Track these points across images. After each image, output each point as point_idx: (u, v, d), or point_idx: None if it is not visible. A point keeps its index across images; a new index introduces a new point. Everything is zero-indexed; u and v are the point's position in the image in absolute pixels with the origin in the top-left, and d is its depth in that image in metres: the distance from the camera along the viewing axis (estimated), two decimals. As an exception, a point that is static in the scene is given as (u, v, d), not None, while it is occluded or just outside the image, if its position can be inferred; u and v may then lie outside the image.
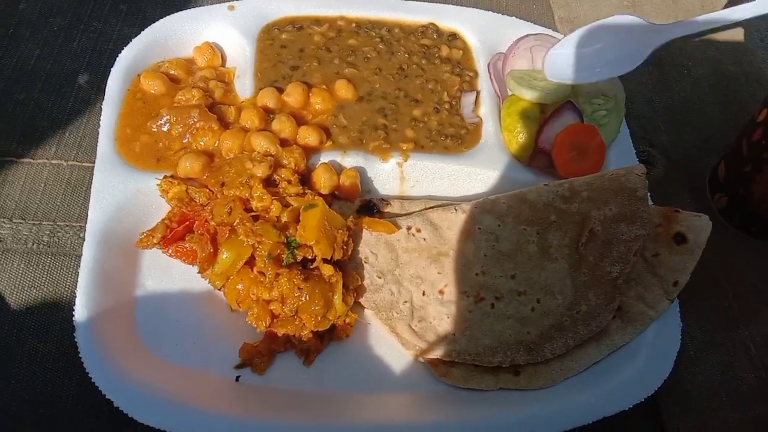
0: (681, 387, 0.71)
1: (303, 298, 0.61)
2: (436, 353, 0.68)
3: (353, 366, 0.69)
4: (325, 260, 0.64)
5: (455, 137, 0.81)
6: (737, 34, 1.05)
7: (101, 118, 0.75)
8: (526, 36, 0.89)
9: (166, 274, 0.70)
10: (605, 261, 0.71)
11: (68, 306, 0.65)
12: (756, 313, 0.78)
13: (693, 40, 1.03)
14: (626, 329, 0.70)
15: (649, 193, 0.79)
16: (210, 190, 0.71)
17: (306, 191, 0.70)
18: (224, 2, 0.87)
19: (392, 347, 0.70)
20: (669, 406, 0.70)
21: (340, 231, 0.66)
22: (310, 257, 0.64)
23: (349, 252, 0.67)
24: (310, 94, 0.80)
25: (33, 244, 0.70)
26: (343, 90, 0.81)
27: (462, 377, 0.68)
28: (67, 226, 0.72)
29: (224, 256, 0.63)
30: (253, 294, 0.63)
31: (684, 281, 0.71)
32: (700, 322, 0.76)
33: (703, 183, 0.89)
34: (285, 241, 0.63)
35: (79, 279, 0.65)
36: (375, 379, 0.68)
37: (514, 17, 0.93)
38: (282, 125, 0.75)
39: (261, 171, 0.69)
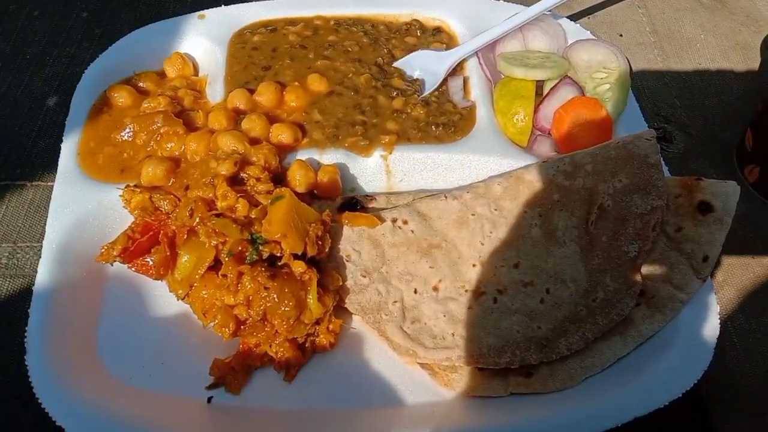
0: (728, 380, 0.61)
1: (271, 299, 0.54)
2: (434, 358, 0.59)
3: (341, 379, 0.60)
4: (295, 256, 0.57)
5: (447, 125, 0.74)
6: (749, 8, 0.97)
7: (64, 133, 0.71)
8: (516, 15, 0.82)
9: (131, 290, 0.64)
10: (621, 240, 0.62)
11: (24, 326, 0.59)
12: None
13: (706, 14, 0.96)
14: (654, 317, 0.61)
15: (665, 165, 0.71)
16: (176, 196, 0.65)
17: (278, 188, 0.63)
18: (194, 12, 0.83)
19: (384, 355, 0.61)
20: (715, 402, 0.59)
21: (313, 225, 0.59)
22: (278, 254, 0.57)
23: (326, 248, 0.60)
24: (284, 93, 0.75)
25: (-10, 267, 0.65)
26: (316, 83, 0.75)
27: (466, 384, 0.59)
28: (27, 246, 0.67)
29: (184, 259, 0.57)
30: (218, 300, 0.56)
31: (715, 255, 0.61)
32: (742, 306, 0.66)
33: (730, 156, 0.80)
34: (249, 237, 0.57)
35: (32, 297, 0.59)
36: (366, 392, 0.60)
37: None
38: (252, 123, 0.70)
39: (225, 168, 0.63)
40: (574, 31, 0.83)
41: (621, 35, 0.92)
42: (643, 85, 0.86)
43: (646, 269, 0.62)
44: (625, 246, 0.61)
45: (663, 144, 0.80)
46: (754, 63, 0.90)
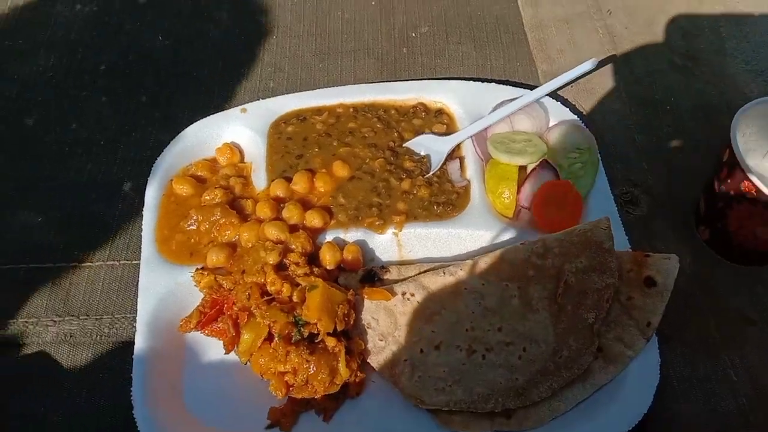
0: (666, 419, 0.78)
1: (311, 369, 0.73)
2: (436, 403, 0.78)
3: (367, 419, 0.79)
4: (328, 333, 0.76)
5: (447, 204, 0.91)
6: (721, 64, 1.10)
7: (143, 222, 0.90)
8: (503, 101, 0.98)
9: (205, 351, 0.83)
10: (581, 309, 0.79)
11: (128, 385, 0.79)
12: (737, 340, 0.83)
13: (676, 76, 1.09)
14: (608, 368, 0.78)
15: (627, 236, 0.87)
16: (235, 277, 0.84)
17: (312, 270, 0.82)
18: (238, 106, 1.01)
19: (398, 400, 0.80)
20: (655, 437, 0.77)
21: (341, 305, 0.77)
22: (316, 332, 0.76)
23: (351, 322, 0.79)
24: (314, 179, 0.92)
25: (97, 336, 0.85)
26: (339, 169, 0.92)
27: (462, 423, 0.77)
28: (123, 317, 0.87)
29: (245, 337, 0.76)
30: (272, 367, 0.75)
31: (656, 322, 0.78)
32: (683, 354, 0.82)
33: (689, 217, 0.94)
34: (293, 320, 0.75)
35: (133, 363, 0.79)
36: (387, 428, 0.78)
37: (493, 83, 1.03)
38: (290, 213, 0.88)
39: (272, 258, 0.81)
40: (556, 109, 0.99)
41: (599, 102, 1.06)
42: (617, 151, 1.00)
43: (602, 331, 0.79)
44: (585, 314, 0.78)
45: (629, 207, 0.95)
46: (717, 126, 1.02)
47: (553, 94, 1.02)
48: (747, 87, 1.07)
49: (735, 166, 0.80)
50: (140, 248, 0.88)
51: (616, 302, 0.80)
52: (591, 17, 1.16)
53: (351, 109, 1.00)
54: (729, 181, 0.83)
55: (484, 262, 0.83)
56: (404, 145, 0.97)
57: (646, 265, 0.80)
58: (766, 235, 0.84)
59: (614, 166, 0.98)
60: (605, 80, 1.08)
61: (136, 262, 0.90)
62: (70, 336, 0.86)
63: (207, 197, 0.91)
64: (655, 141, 1.02)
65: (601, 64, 1.09)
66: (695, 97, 1.06)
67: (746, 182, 0.80)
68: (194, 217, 0.88)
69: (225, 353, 0.78)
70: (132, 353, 0.80)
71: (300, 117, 1.00)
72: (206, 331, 0.82)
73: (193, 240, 0.88)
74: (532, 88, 1.01)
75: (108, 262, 0.91)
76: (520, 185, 0.90)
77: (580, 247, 0.81)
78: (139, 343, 0.81)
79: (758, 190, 0.78)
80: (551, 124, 0.98)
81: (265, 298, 0.79)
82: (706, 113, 1.04)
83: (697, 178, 0.93)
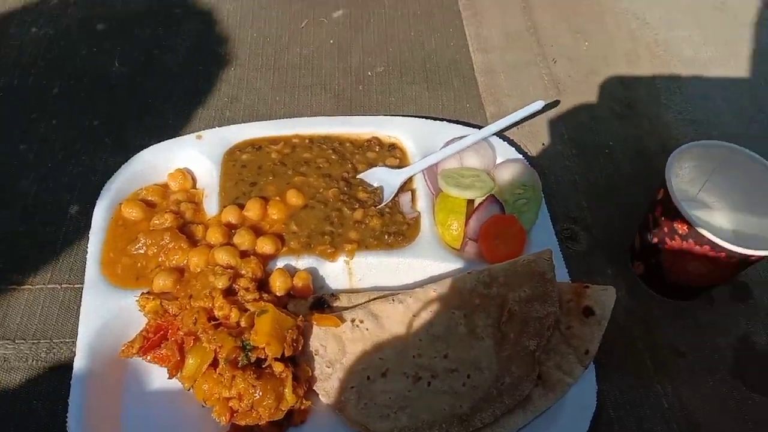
0: (603, 444, 0.81)
1: (257, 395, 0.72)
2: (381, 430, 0.78)
3: (311, 447, 0.79)
4: (276, 359, 0.75)
5: (397, 234, 0.94)
6: (656, 113, 1.18)
7: (88, 245, 0.88)
8: (453, 139, 1.02)
9: (147, 377, 0.81)
10: (524, 337, 0.81)
11: (65, 412, 0.76)
12: (668, 370, 0.87)
13: (615, 122, 1.16)
14: (548, 395, 0.80)
15: (567, 270, 0.91)
16: (181, 302, 0.83)
17: (262, 296, 0.82)
18: (193, 132, 1.02)
19: (344, 429, 0.80)
20: (592, 462, 0.79)
21: (290, 330, 0.78)
22: (263, 357, 0.75)
23: (300, 347, 0.79)
24: (268, 206, 0.93)
25: (33, 361, 0.82)
26: (293, 198, 0.94)
27: (406, 450, 0.78)
28: (62, 342, 0.84)
29: (190, 361, 0.75)
30: (216, 393, 0.74)
31: (594, 350, 0.81)
32: (618, 382, 0.86)
33: (625, 253, 1.00)
34: (241, 344, 0.75)
35: (71, 390, 0.76)
36: (329, 457, 0.78)
37: (445, 121, 1.07)
38: (242, 239, 0.88)
39: (221, 283, 0.81)
40: (503, 148, 1.04)
41: (543, 144, 1.12)
42: (559, 190, 1.05)
43: (543, 358, 0.81)
44: (527, 341, 0.81)
45: (569, 242, 0.99)
46: (653, 168, 1.08)
47: (501, 135, 1.08)
48: (680, 134, 1.15)
49: (668, 205, 0.86)
50: (84, 271, 0.86)
51: (556, 331, 0.83)
52: (537, 65, 1.24)
53: (307, 140, 1.02)
54: (663, 219, 0.88)
55: (432, 291, 0.85)
56: (358, 176, 0.99)
57: (585, 296, 0.84)
58: (698, 270, 0.89)
59: (556, 204, 1.03)
60: (549, 124, 1.14)
61: (79, 285, 0.88)
62: (5, 360, 0.82)
63: (156, 221, 0.90)
64: (594, 181, 1.08)
65: (545, 108, 1.15)
66: (633, 142, 1.13)
67: (679, 220, 0.85)
68: (142, 241, 0.88)
69: (168, 378, 0.77)
70: (70, 379, 0.78)
71: (255, 146, 1.01)
72: (148, 357, 0.80)
73: (139, 264, 0.87)
74: (480, 128, 1.06)
75: (49, 285, 0.89)
76: (467, 218, 0.94)
77: (524, 277, 0.84)
78: (78, 369, 0.78)
79: (690, 228, 0.84)
80: (498, 162, 1.02)
81: (213, 322, 0.78)
82: (642, 156, 1.11)
83: (633, 216, 0.98)
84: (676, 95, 1.21)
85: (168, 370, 0.77)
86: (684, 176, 0.92)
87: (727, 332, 0.93)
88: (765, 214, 0.88)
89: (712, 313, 0.95)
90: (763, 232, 0.87)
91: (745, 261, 0.84)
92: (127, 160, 0.98)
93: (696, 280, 0.91)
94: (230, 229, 0.90)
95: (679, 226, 0.85)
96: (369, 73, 1.19)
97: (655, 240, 0.91)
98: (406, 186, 1.00)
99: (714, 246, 0.82)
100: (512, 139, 1.10)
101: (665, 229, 0.88)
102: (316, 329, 0.83)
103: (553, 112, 1.16)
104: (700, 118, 1.17)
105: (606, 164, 1.10)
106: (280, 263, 0.89)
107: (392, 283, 0.91)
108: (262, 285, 0.86)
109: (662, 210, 0.88)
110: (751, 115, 1.19)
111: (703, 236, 0.82)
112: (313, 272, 0.89)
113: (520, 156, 1.03)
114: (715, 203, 0.95)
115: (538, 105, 1.06)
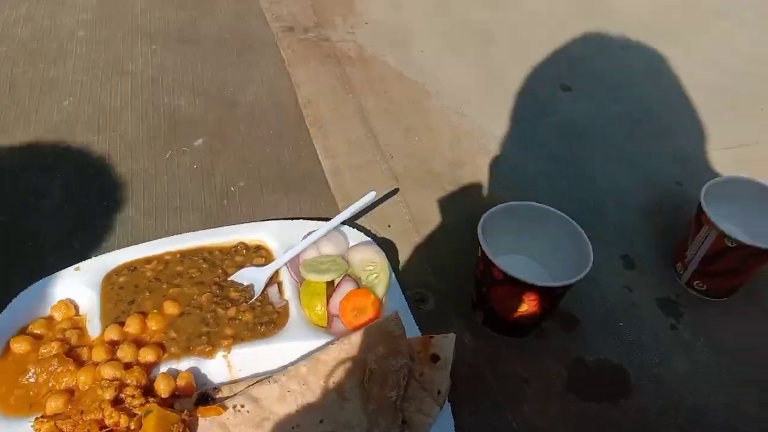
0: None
1: (150, 488, 0.80)
2: (272, 500, 0.87)
3: None
4: (165, 452, 0.84)
5: (269, 323, 1.06)
6: (480, 186, 1.42)
7: (-22, 384, 0.94)
8: (310, 232, 1.19)
9: (44, 499, 0.86)
10: (385, 389, 0.95)
11: None
12: (515, 394, 1.04)
13: (448, 200, 1.38)
14: (414, 436, 0.93)
15: (418, 327, 1.07)
16: (74, 418, 0.90)
17: (148, 400, 0.91)
18: (71, 266, 1.11)
19: (239, 505, 0.88)
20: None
21: (176, 425, 0.87)
22: (152, 453, 0.84)
23: (187, 439, 0.88)
24: (147, 320, 1.03)
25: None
26: (170, 308, 1.05)
27: None
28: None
29: (86, 470, 0.82)
30: (109, 496, 0.81)
31: (445, 389, 0.96)
32: (474, 414, 1.01)
33: (467, 305, 1.18)
34: (130, 446, 0.83)
35: None
36: None
37: (302, 219, 1.24)
38: (125, 352, 0.97)
39: (108, 394, 0.89)
40: (353, 235, 1.21)
41: (390, 226, 1.31)
42: (407, 262, 1.24)
43: (405, 405, 0.95)
44: (389, 393, 0.94)
45: (420, 304, 1.16)
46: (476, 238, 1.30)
47: (352, 223, 1.25)
48: (501, 199, 1.38)
49: (486, 260, 1.05)
50: (-26, 413, 0.91)
51: (412, 379, 0.97)
52: (378, 162, 1.45)
53: (178, 255, 1.15)
54: (485, 271, 1.07)
55: (302, 366, 0.98)
56: (228, 279, 1.12)
57: (431, 345, 1.00)
58: (522, 309, 1.08)
59: (406, 274, 1.20)
60: (391, 209, 1.34)
61: (-30, 424, 0.92)
62: None
63: (44, 350, 0.97)
64: (436, 252, 1.27)
65: (388, 195, 1.36)
66: (465, 213, 1.34)
67: (494, 269, 1.04)
68: (32, 371, 0.94)
69: (65, 487, 0.83)
70: None
71: (131, 268, 1.12)
72: (45, 479, 0.85)
73: (32, 392, 0.94)
74: (332, 221, 1.23)
75: (-60, 431, 0.92)
76: (329, 298, 1.08)
77: (377, 338, 0.99)
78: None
79: (504, 275, 1.03)
80: (351, 245, 1.19)
81: (104, 431, 0.86)
82: (471, 225, 1.31)
83: (468, 275, 1.17)
84: (494, 168, 1.46)
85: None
86: (495, 234, 1.13)
87: (561, 357, 1.12)
88: (564, 258, 1.09)
89: (547, 343, 1.14)
90: (565, 269, 1.07)
91: (553, 293, 1.05)
92: (9, 301, 1.05)
93: (523, 318, 1.10)
94: (113, 345, 0.99)
95: (496, 274, 1.04)
96: (232, 188, 1.35)
97: (484, 290, 1.10)
98: (273, 279, 1.13)
99: (523, 284, 1.01)
100: (362, 225, 1.28)
101: (488, 279, 1.07)
102: (201, 421, 0.92)
103: (395, 198, 1.37)
104: (517, 185, 1.42)
105: (446, 236, 1.30)
106: (163, 368, 0.98)
107: (270, 368, 1.02)
108: (148, 390, 0.94)
109: (483, 265, 1.08)
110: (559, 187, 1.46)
111: (514, 278, 1.01)
112: (194, 371, 0.99)
113: (369, 239, 1.21)
114: (527, 252, 1.16)
115: (371, 196, 1.25)
